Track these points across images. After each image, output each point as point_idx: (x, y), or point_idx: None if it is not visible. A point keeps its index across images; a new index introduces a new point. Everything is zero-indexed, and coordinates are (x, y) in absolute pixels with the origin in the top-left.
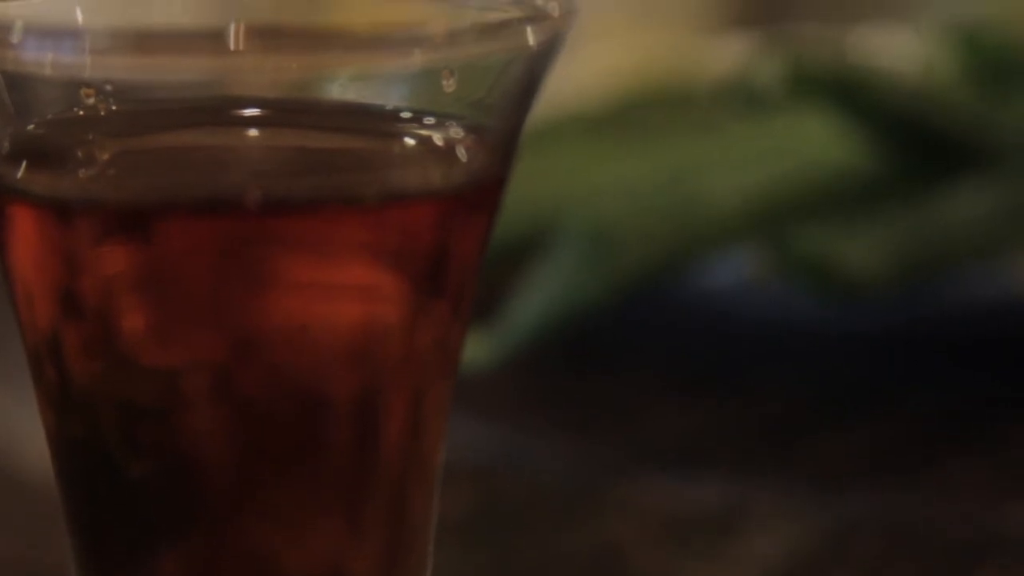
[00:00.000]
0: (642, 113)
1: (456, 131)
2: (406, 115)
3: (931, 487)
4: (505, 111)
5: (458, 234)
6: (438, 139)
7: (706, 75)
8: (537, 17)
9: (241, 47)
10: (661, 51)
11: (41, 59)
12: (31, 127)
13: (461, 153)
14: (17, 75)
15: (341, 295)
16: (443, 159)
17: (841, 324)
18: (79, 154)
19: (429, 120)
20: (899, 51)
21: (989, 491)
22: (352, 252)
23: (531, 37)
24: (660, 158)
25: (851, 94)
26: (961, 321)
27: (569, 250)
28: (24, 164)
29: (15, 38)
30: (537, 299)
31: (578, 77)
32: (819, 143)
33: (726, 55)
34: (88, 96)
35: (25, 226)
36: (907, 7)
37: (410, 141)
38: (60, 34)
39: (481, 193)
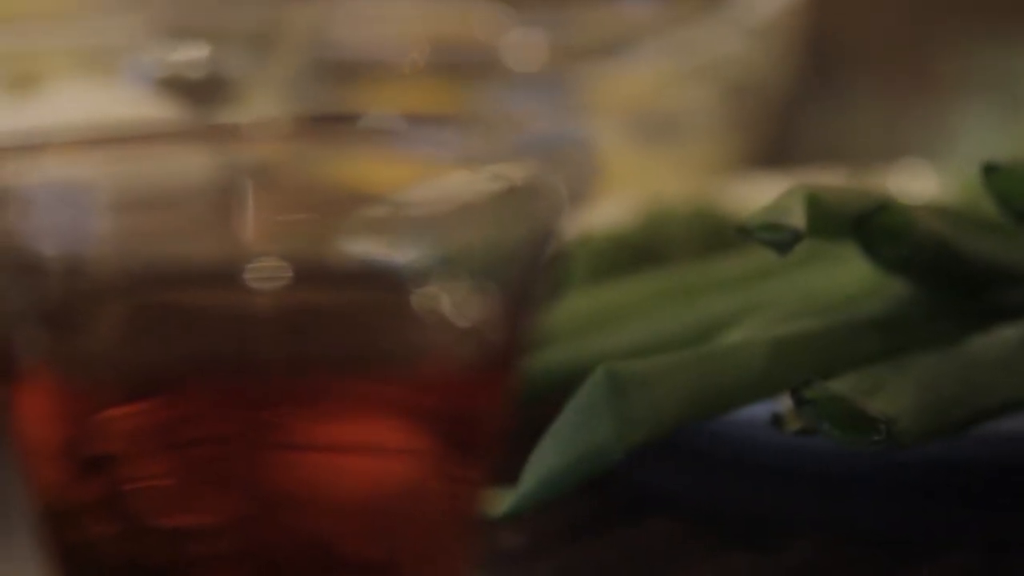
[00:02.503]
0: (663, 255)
1: (476, 290)
2: (425, 275)
3: None
4: (526, 270)
5: (480, 394)
6: (458, 299)
7: (728, 217)
8: (562, 185)
9: (256, 208)
10: (679, 192)
11: (52, 223)
12: (42, 292)
13: (481, 313)
14: (28, 241)
15: (361, 457)
16: (463, 319)
17: (872, 463)
18: (92, 319)
19: (448, 280)
20: (923, 191)
21: None
22: (372, 414)
23: (556, 208)
24: (681, 304)
25: (877, 233)
26: (996, 461)
27: (589, 401)
28: (36, 330)
29: (26, 201)
30: (554, 449)
31: (595, 217)
32: (847, 288)
33: (748, 197)
34: (100, 259)
35: (37, 390)
36: (927, 146)
37: (430, 302)
38: (71, 197)
39: (502, 353)
